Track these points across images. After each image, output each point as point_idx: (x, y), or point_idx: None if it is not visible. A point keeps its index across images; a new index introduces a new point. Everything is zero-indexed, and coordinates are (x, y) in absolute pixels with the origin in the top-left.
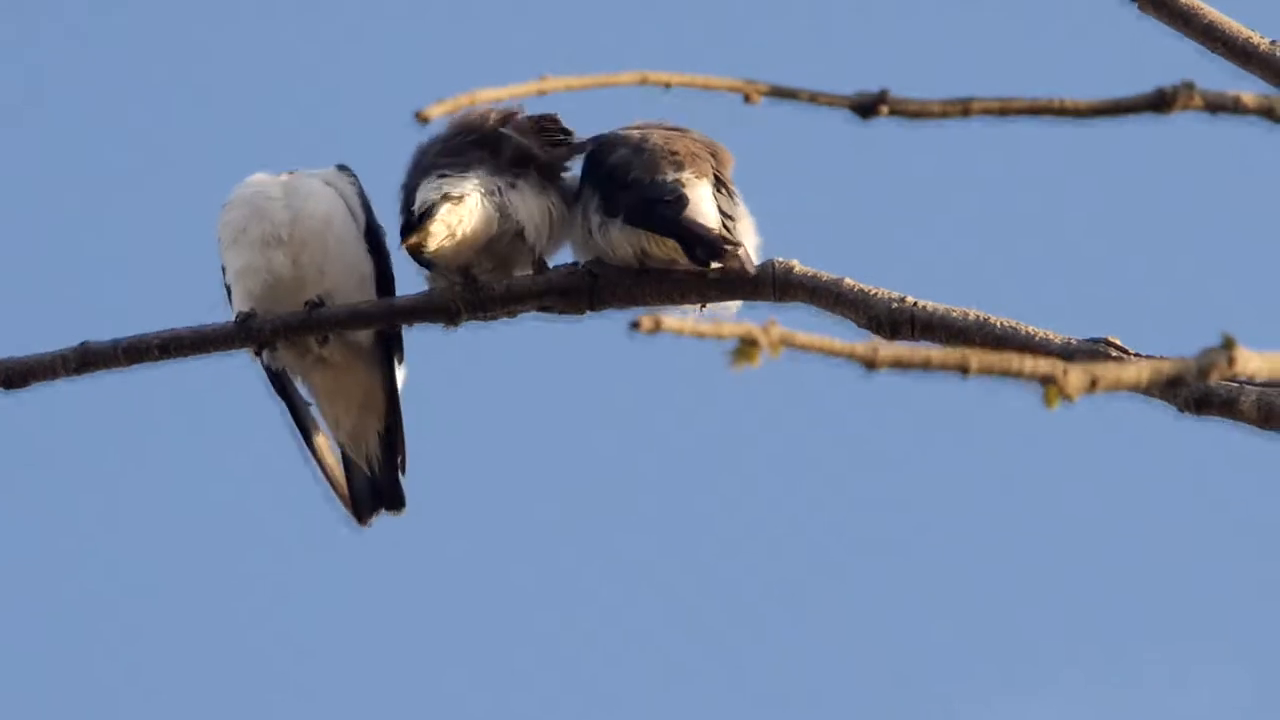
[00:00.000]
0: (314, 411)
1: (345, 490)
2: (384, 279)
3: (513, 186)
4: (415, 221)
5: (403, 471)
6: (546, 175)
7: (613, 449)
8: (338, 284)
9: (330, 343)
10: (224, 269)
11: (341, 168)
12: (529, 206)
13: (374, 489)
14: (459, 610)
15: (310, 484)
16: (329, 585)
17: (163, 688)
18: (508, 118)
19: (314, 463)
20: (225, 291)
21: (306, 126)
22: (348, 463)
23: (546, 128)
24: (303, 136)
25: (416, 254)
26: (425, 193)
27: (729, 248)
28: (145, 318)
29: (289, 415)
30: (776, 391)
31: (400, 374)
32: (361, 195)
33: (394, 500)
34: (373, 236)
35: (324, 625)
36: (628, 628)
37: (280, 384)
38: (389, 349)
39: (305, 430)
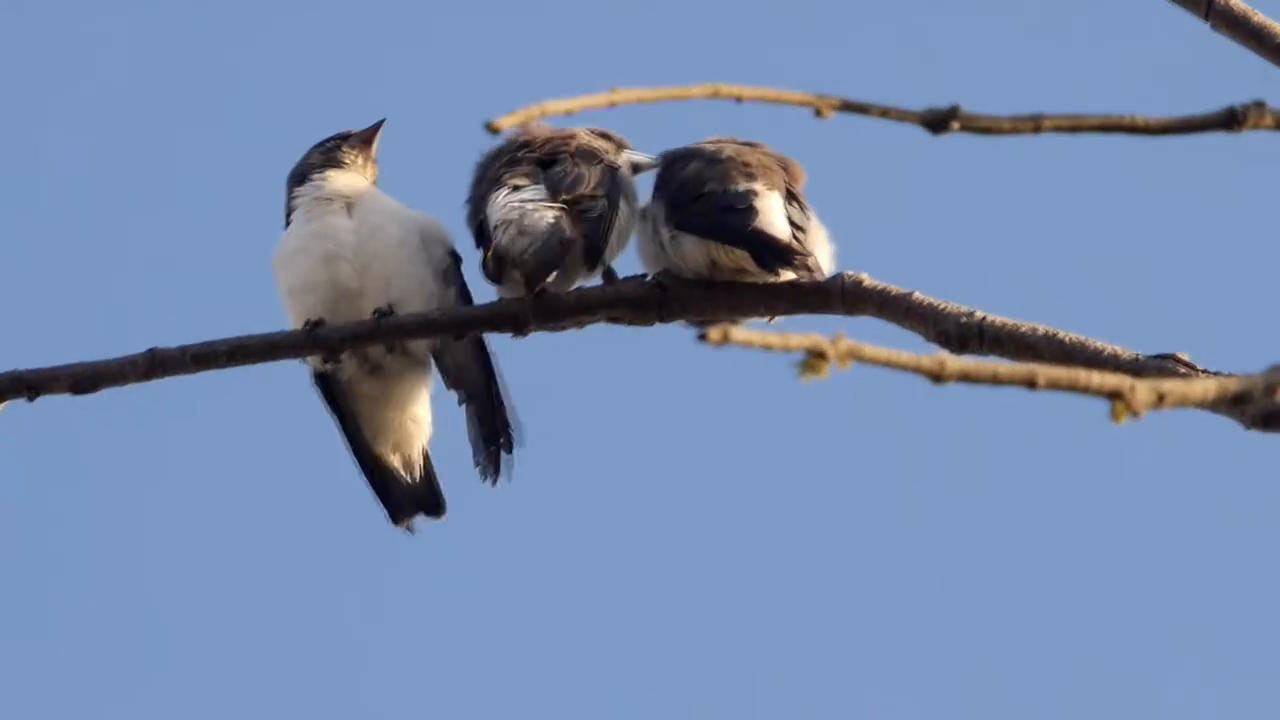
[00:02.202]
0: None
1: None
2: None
3: (579, 201)
4: (493, 247)
5: (508, 450)
6: (610, 187)
7: (678, 454)
8: (404, 295)
9: (396, 351)
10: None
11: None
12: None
13: (412, 495)
14: (517, 618)
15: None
16: (377, 584)
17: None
18: (569, 138)
19: (358, 465)
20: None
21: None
22: (386, 468)
23: (606, 138)
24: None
25: (492, 274)
26: (497, 211)
27: (798, 256)
28: (187, 320)
29: (336, 419)
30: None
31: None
32: (446, 239)
33: (433, 505)
34: (448, 274)
35: (369, 627)
36: (697, 634)
37: (327, 388)
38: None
39: (351, 433)
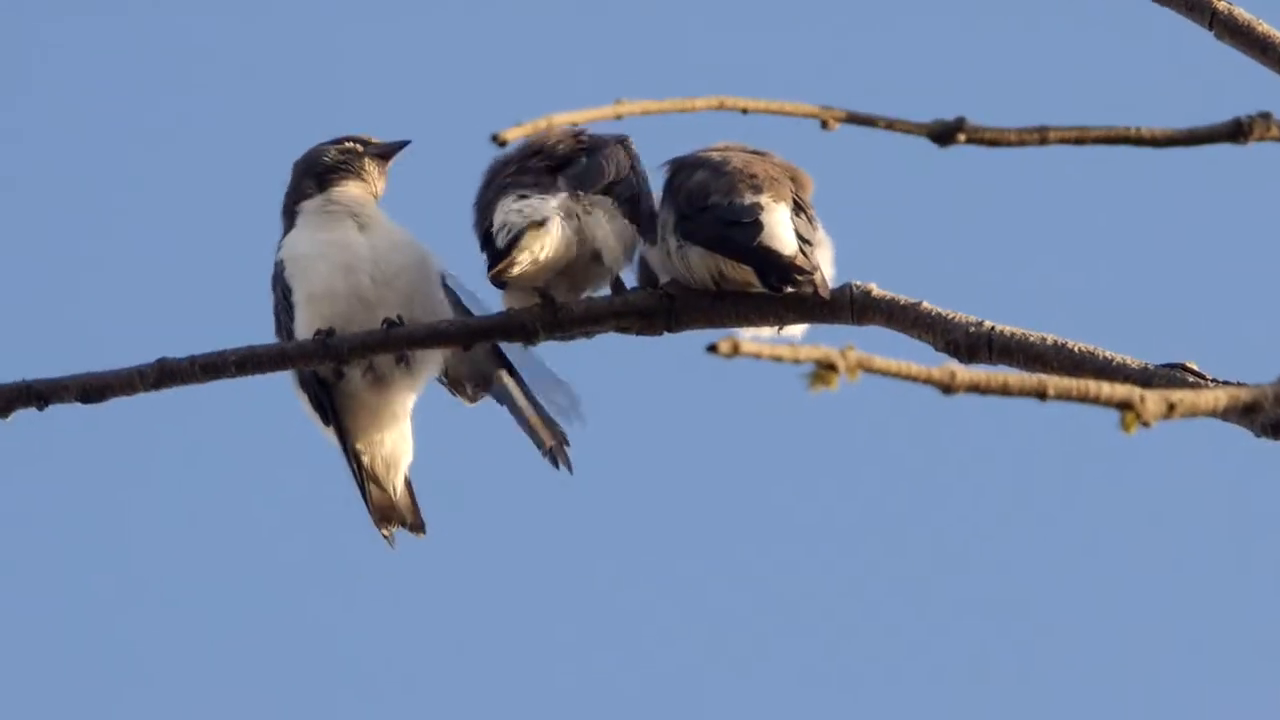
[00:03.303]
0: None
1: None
2: None
3: (589, 211)
4: (501, 251)
5: (564, 442)
6: (622, 196)
7: (687, 463)
8: (421, 313)
9: (403, 363)
10: (284, 294)
11: None
12: (605, 230)
13: (396, 510)
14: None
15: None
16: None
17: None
18: (578, 135)
19: (353, 471)
20: (280, 313)
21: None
22: (374, 480)
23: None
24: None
25: (498, 280)
26: (506, 215)
27: (803, 275)
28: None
29: (335, 428)
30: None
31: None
32: (442, 269)
33: (416, 524)
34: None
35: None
36: (707, 651)
37: (323, 397)
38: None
39: (346, 441)
